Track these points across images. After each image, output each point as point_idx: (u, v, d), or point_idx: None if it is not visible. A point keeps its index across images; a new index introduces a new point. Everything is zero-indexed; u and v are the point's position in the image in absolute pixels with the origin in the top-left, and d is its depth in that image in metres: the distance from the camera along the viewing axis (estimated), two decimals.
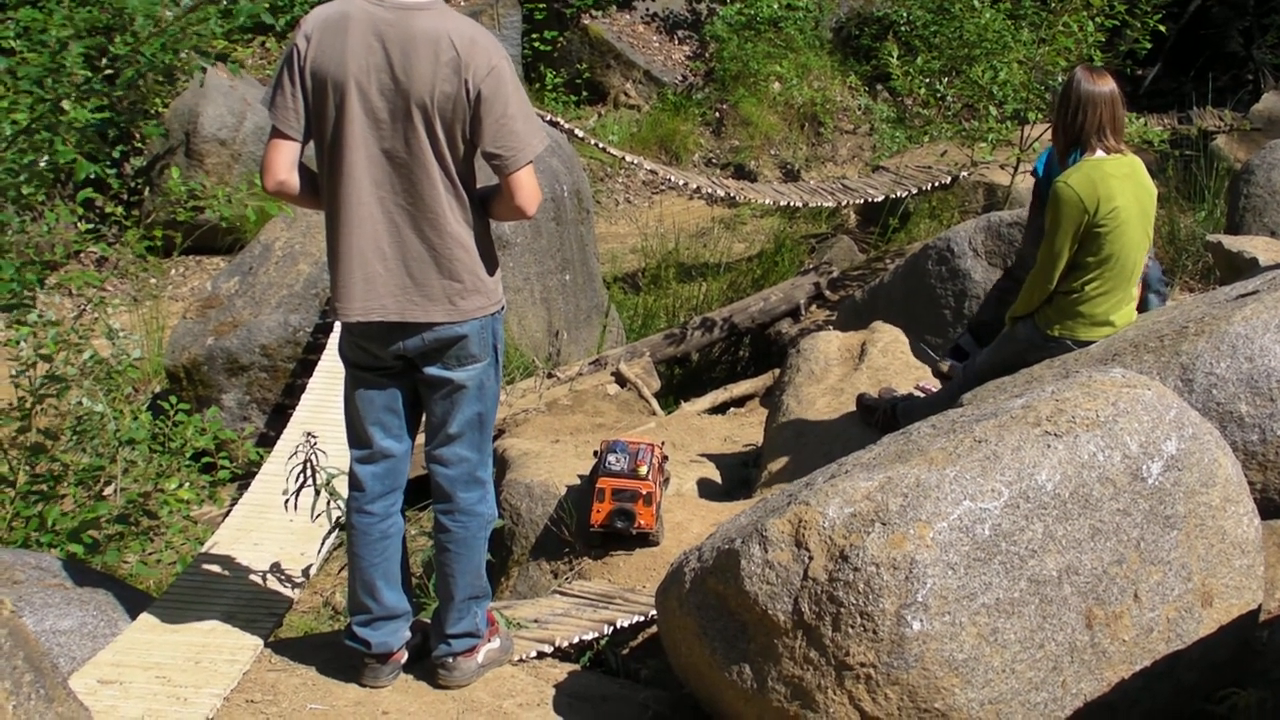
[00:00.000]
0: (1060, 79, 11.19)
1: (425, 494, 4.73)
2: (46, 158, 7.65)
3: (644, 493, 6.21)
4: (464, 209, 4.29)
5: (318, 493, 5.26)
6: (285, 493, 5.31)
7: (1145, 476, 3.92)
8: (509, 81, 4.18)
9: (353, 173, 4.20)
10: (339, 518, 5.28)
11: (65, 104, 7.69)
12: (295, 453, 5.37)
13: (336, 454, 5.17)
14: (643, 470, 6.29)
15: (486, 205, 4.38)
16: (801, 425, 7.41)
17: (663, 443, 6.82)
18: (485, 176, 4.33)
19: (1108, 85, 5.92)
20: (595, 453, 6.70)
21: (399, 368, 4.44)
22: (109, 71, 8.69)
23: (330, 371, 8.21)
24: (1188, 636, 3.94)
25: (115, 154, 13.26)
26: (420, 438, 4.64)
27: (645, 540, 6.36)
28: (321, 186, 4.33)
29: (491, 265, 4.40)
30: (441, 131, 4.15)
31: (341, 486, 5.16)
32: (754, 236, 15.25)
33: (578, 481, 6.69)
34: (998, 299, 7.18)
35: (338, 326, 4.58)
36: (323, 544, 5.46)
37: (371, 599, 4.58)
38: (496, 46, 4.21)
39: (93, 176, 8.12)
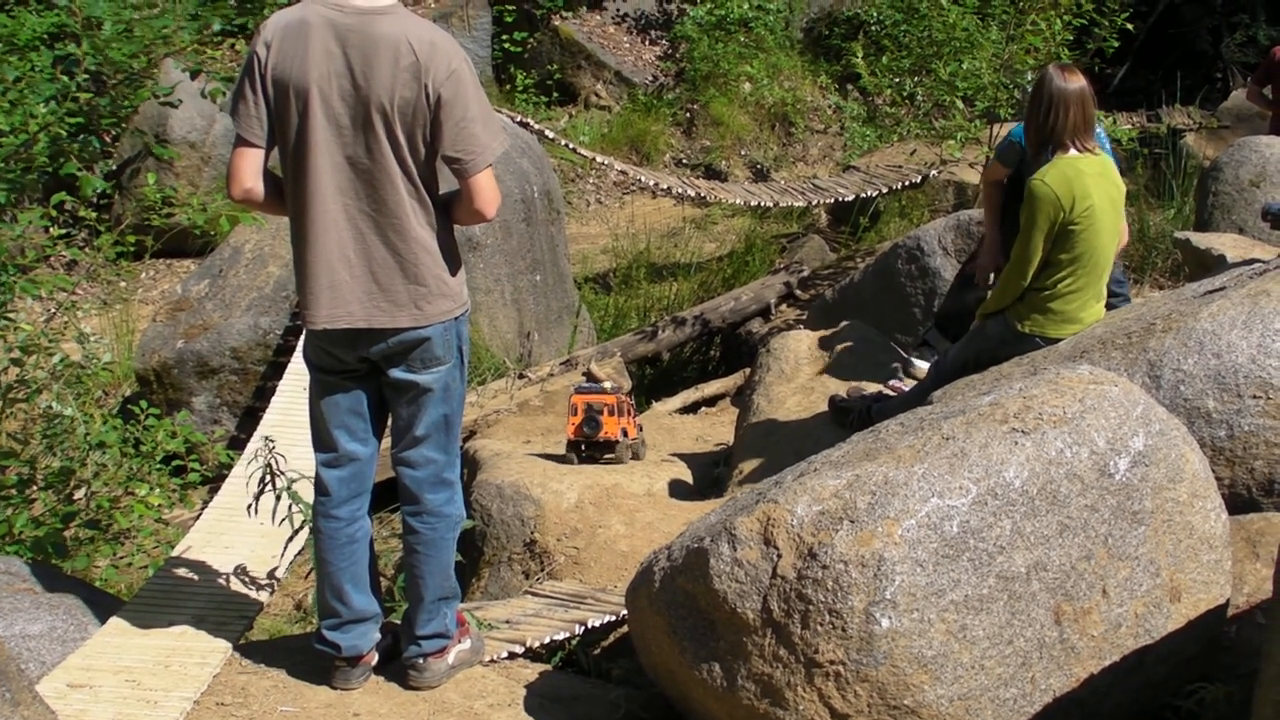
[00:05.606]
0: (1029, 77, 11.22)
1: (395, 497, 4.72)
2: (34, 175, 7.60)
3: (609, 404, 7.12)
4: (427, 213, 4.29)
5: (278, 498, 5.25)
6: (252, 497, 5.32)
7: (1113, 472, 3.94)
8: (469, 85, 4.18)
9: (317, 180, 4.19)
10: (302, 522, 5.28)
11: (40, 109, 7.64)
12: (254, 457, 5.38)
13: (306, 456, 5.16)
14: (608, 386, 7.30)
15: (448, 209, 4.38)
16: (772, 424, 7.42)
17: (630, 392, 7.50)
18: (448, 182, 4.33)
19: (1079, 82, 5.95)
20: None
21: (363, 370, 4.44)
22: (67, 69, 8.63)
23: (300, 373, 8.14)
24: (1156, 632, 3.96)
25: (85, 155, 13.17)
26: (387, 442, 4.63)
27: (609, 450, 7.24)
28: (286, 193, 4.32)
29: (455, 267, 4.40)
30: (403, 136, 4.15)
31: (303, 490, 5.15)
32: (725, 236, 15.25)
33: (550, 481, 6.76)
34: (959, 286, 7.23)
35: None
36: (285, 547, 5.45)
37: (340, 603, 4.58)
38: (456, 50, 4.20)
39: (99, 190, 8.09)
